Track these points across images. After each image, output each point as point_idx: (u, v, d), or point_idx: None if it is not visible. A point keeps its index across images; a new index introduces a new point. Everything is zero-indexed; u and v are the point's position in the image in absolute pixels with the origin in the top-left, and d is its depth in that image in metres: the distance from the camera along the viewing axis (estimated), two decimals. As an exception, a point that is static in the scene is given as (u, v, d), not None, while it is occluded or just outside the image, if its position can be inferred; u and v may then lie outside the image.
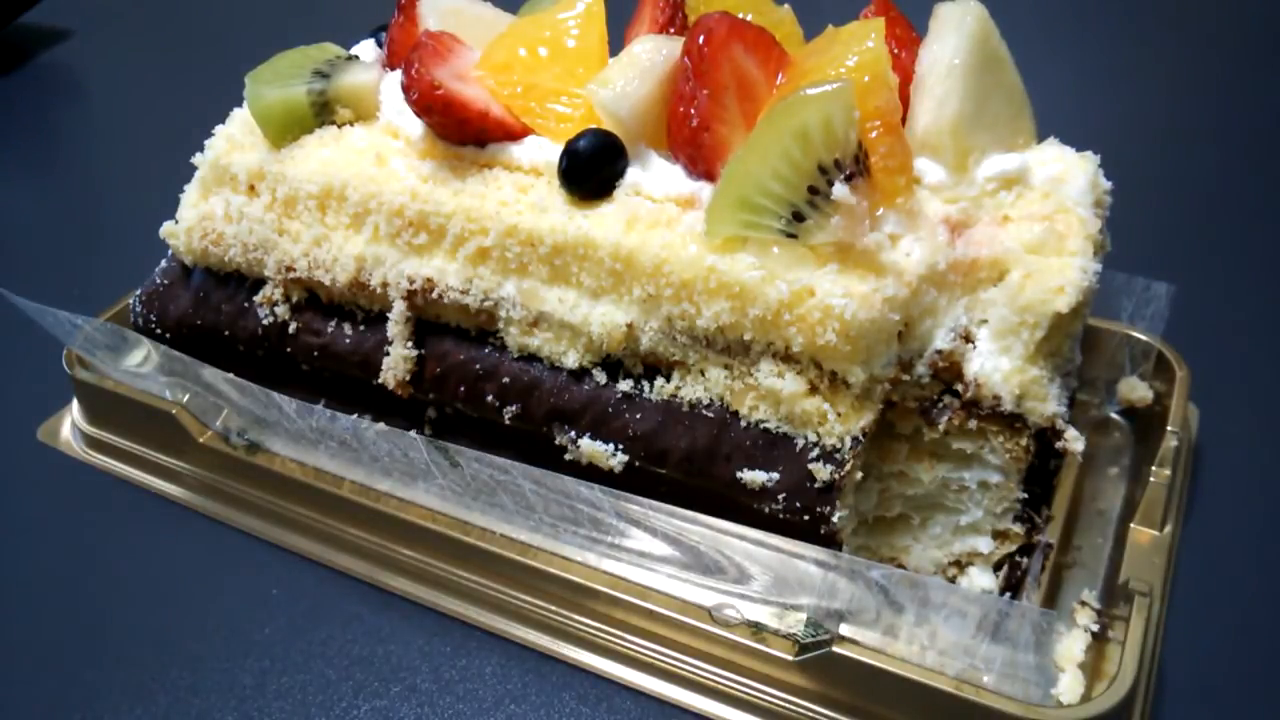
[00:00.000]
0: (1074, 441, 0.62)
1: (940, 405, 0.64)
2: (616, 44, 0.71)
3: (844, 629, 0.59)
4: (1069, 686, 0.58)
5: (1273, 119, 1.30)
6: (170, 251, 0.82)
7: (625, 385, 0.67)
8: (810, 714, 0.62)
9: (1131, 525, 0.68)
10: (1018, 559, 0.68)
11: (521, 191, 0.68)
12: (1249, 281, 1.01)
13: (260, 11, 1.82)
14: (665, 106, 0.65)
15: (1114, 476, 0.77)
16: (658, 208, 0.64)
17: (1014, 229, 0.62)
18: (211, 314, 0.80)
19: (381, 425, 0.72)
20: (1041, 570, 0.65)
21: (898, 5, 0.68)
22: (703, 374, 0.65)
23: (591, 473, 0.68)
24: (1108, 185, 0.66)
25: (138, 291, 0.85)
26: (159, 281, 0.83)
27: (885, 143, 0.59)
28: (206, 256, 0.79)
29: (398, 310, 0.71)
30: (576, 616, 0.68)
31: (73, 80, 1.62)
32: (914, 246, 0.61)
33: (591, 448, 0.67)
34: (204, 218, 0.78)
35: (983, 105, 0.63)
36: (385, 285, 0.71)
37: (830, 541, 0.62)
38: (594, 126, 0.66)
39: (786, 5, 0.74)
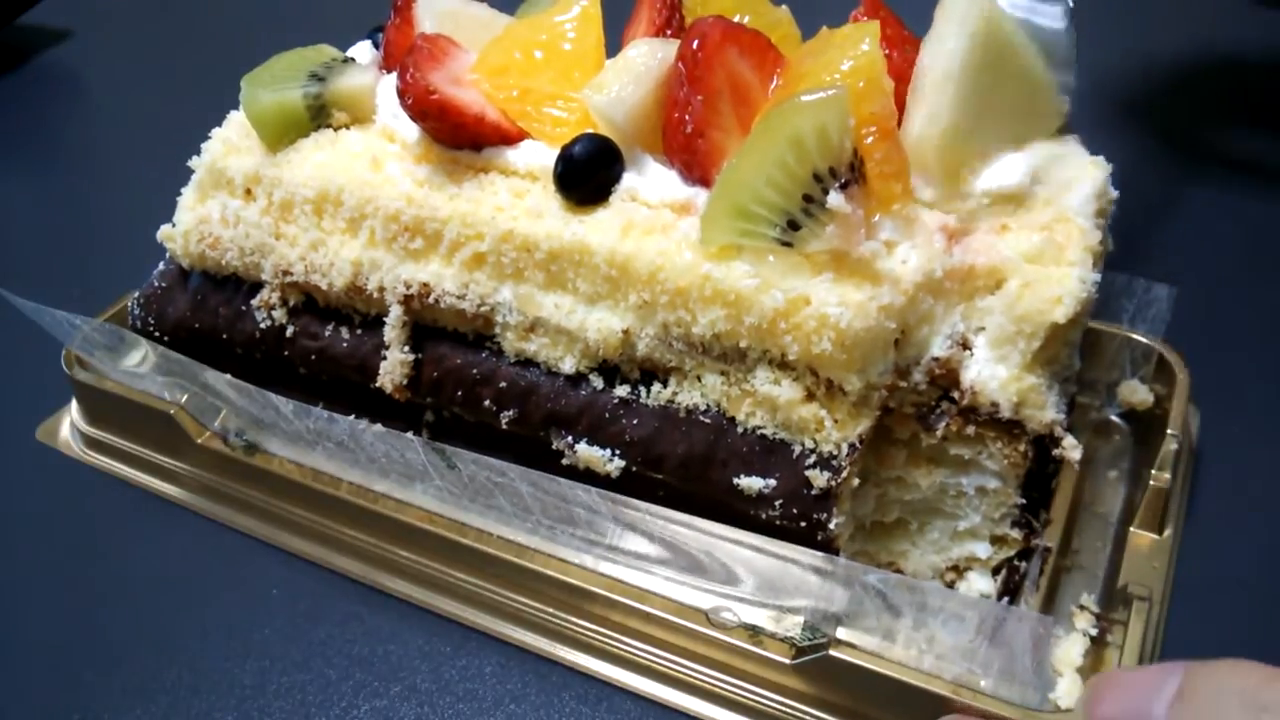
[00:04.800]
0: (1071, 450, 0.62)
1: (938, 411, 0.64)
2: (614, 45, 0.70)
3: (841, 632, 0.59)
4: (1067, 690, 0.57)
5: (1275, 118, 1.29)
6: (168, 254, 0.82)
7: (622, 390, 0.67)
8: (807, 718, 0.62)
9: (1131, 529, 0.67)
10: (1016, 564, 0.68)
11: (517, 196, 0.68)
12: (1250, 284, 1.00)
13: (258, 13, 1.81)
14: (661, 111, 0.65)
15: (1114, 480, 0.77)
16: (653, 213, 0.64)
17: (1012, 238, 0.62)
18: (209, 317, 0.80)
19: (379, 427, 0.72)
20: (1040, 574, 0.65)
21: (889, 3, 0.68)
22: (699, 380, 0.65)
23: (588, 478, 0.68)
24: (1114, 194, 0.65)
25: (136, 294, 0.85)
26: (157, 284, 0.83)
27: (881, 149, 0.59)
28: (204, 260, 0.79)
29: (394, 315, 0.71)
30: (573, 619, 0.68)
31: (73, 80, 1.61)
32: (910, 254, 0.60)
33: (588, 453, 0.67)
34: (201, 221, 0.78)
35: (984, 110, 0.61)
36: (382, 290, 0.71)
37: (827, 547, 0.62)
38: (590, 131, 0.66)
39: (784, 5, 0.74)
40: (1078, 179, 0.63)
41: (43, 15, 1.72)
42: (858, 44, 0.59)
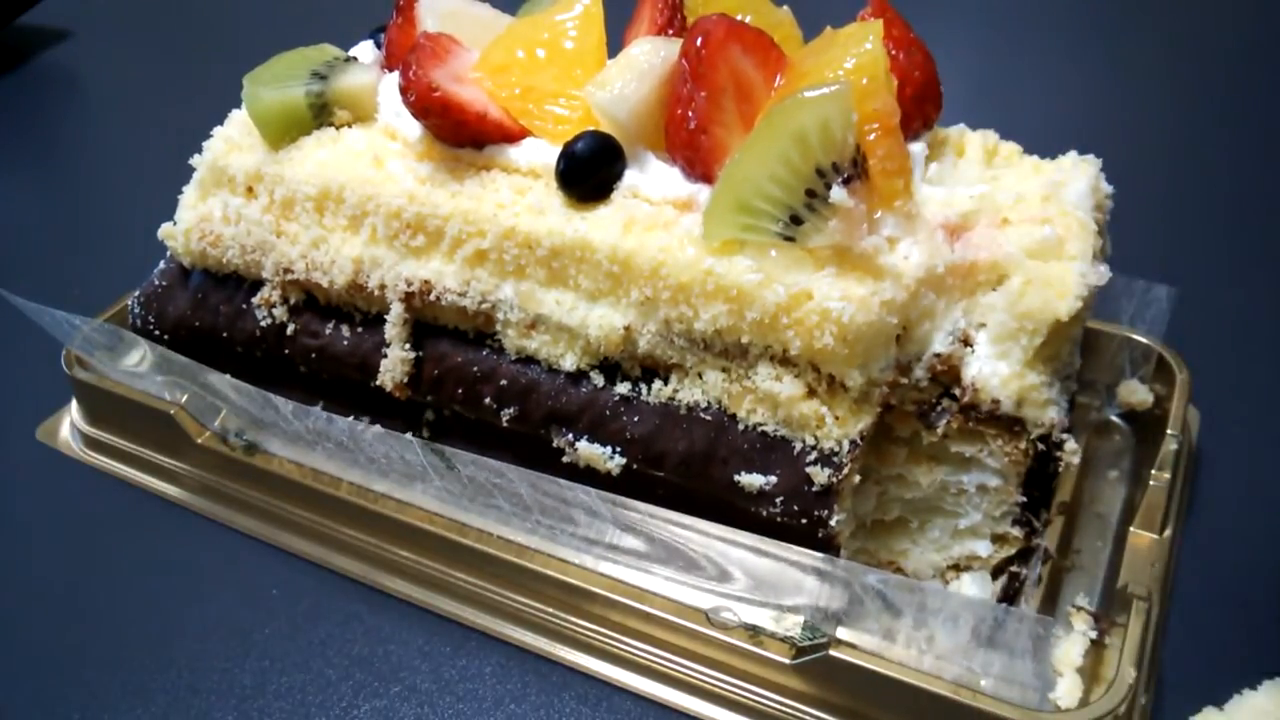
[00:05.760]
0: (1071, 455, 0.62)
1: (939, 409, 0.64)
2: (615, 45, 0.71)
3: (841, 632, 0.59)
4: (1067, 691, 0.57)
5: (1275, 120, 1.30)
6: (169, 253, 0.82)
7: (623, 388, 0.67)
8: (807, 718, 0.62)
9: (1131, 529, 0.67)
10: (1016, 563, 0.68)
11: (519, 193, 0.68)
12: (1250, 284, 1.00)
13: (260, 12, 1.82)
14: (663, 108, 0.65)
15: (1114, 480, 0.77)
16: (655, 210, 0.64)
17: (1013, 233, 0.62)
18: (210, 315, 0.80)
19: (378, 428, 0.72)
20: (1040, 574, 0.65)
21: (896, 6, 0.68)
22: (700, 377, 0.65)
23: (589, 476, 0.68)
24: (1109, 189, 0.66)
25: (136, 293, 0.85)
26: (157, 283, 0.83)
27: (883, 145, 0.59)
28: (205, 258, 0.79)
29: (395, 312, 0.71)
30: (573, 619, 0.68)
31: (72, 80, 1.62)
32: (912, 249, 0.60)
33: (589, 450, 0.67)
34: (202, 219, 0.78)
35: None
36: (383, 287, 0.71)
37: (828, 545, 0.62)
38: (592, 128, 0.66)
39: (786, 6, 0.74)
40: (1072, 176, 0.63)
41: (42, 15, 1.72)
42: (861, 42, 0.60)
